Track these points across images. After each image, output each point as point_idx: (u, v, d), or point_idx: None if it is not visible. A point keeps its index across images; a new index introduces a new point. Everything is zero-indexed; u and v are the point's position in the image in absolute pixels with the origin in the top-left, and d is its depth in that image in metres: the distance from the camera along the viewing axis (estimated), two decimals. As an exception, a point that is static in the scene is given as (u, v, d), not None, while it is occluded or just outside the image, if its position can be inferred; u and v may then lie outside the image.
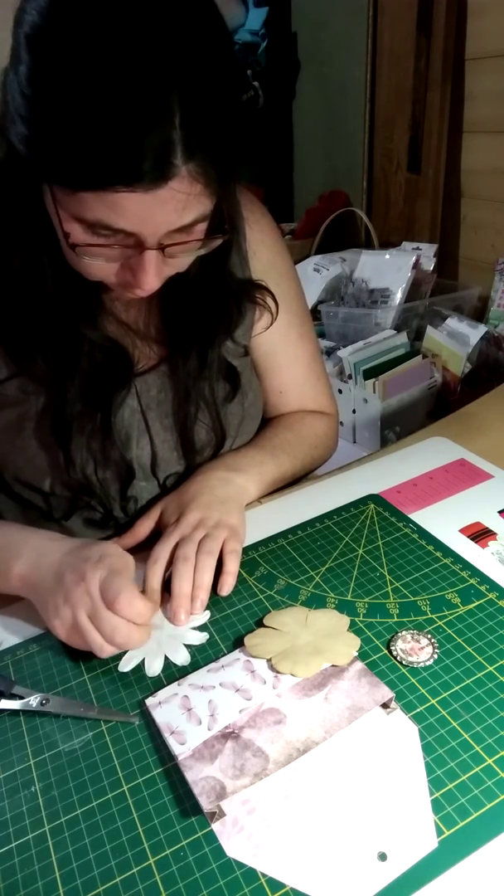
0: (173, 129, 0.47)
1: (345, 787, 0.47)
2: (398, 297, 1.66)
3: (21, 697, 0.55)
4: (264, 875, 0.43)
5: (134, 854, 0.44)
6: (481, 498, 0.74)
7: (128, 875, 0.43)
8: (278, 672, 0.55)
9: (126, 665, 0.58)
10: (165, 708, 0.53)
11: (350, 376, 1.50)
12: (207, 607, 0.63)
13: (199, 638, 0.60)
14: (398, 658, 0.56)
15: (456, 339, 1.52)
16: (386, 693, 0.52)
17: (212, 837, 0.45)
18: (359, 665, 0.55)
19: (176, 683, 0.55)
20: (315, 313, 1.72)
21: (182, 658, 0.58)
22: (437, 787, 0.46)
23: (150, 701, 0.54)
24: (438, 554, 0.67)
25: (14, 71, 0.49)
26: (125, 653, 0.59)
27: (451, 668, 0.54)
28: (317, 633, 0.58)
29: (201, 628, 0.61)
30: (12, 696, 0.55)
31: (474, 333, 1.51)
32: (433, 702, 0.52)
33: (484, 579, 0.63)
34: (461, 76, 1.63)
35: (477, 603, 0.60)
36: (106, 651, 0.56)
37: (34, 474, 0.71)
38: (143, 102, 0.46)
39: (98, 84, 0.45)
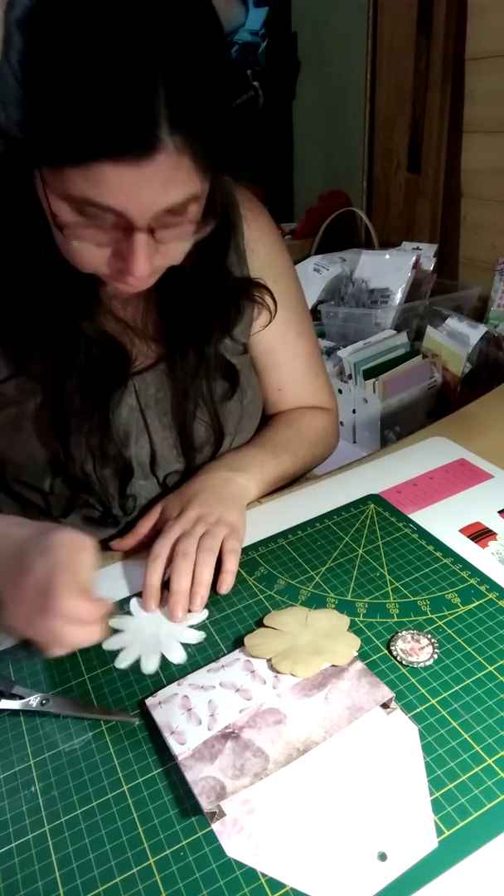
0: (158, 101, 0.47)
1: (345, 787, 0.47)
2: (398, 297, 1.66)
3: (21, 697, 0.55)
4: (264, 875, 0.43)
5: (134, 854, 0.44)
6: (481, 498, 0.74)
7: (128, 875, 0.43)
8: (278, 672, 0.55)
9: (122, 662, 0.58)
10: (165, 708, 0.53)
11: (350, 376, 1.50)
12: (206, 606, 0.63)
13: (197, 637, 0.60)
14: (398, 658, 0.56)
15: (456, 339, 1.52)
16: (386, 693, 0.52)
17: (212, 837, 0.45)
18: (359, 665, 0.55)
19: (176, 683, 0.55)
20: (315, 313, 1.72)
21: (178, 657, 0.58)
22: (437, 787, 0.46)
23: (150, 701, 0.54)
24: (438, 554, 0.67)
25: (6, 57, 0.49)
26: (122, 650, 0.59)
27: (451, 668, 0.54)
28: (317, 633, 0.58)
29: (199, 627, 0.61)
30: (12, 696, 0.55)
31: (474, 333, 1.51)
32: (433, 702, 0.52)
33: (484, 579, 0.63)
34: (461, 76, 1.63)
35: (477, 603, 0.60)
36: (55, 651, 0.54)
37: (34, 473, 0.71)
38: (128, 75, 0.46)
39: (85, 58, 0.45)
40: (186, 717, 0.52)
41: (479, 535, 0.69)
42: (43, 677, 0.58)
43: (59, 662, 0.59)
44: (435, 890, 0.41)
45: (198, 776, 0.47)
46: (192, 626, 0.61)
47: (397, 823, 0.44)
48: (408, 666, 0.55)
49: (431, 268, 1.70)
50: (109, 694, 0.56)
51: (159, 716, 0.53)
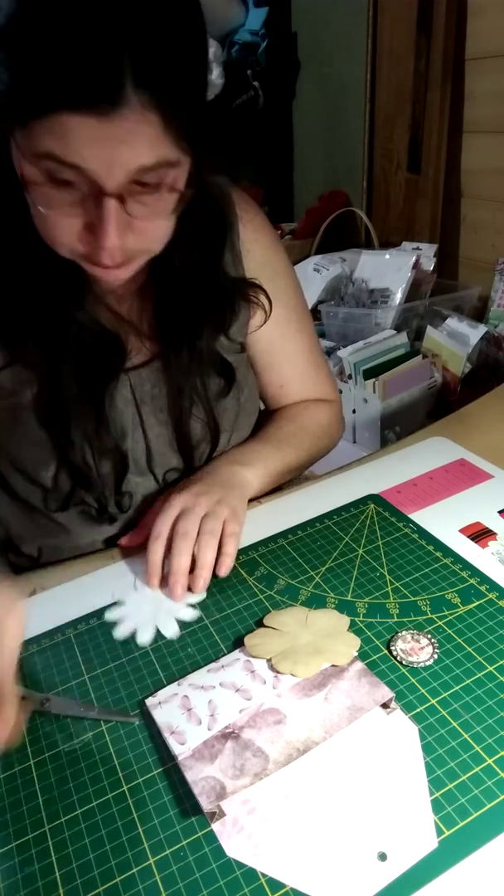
0: (122, 55, 0.47)
1: (345, 787, 0.47)
2: (398, 297, 1.66)
3: (21, 697, 0.54)
4: (264, 875, 0.43)
5: (134, 854, 0.44)
6: (481, 498, 0.74)
7: (128, 875, 0.43)
8: (278, 672, 0.55)
9: (119, 633, 0.61)
10: (165, 708, 0.53)
11: (350, 376, 1.50)
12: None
13: (192, 615, 0.62)
14: (398, 658, 0.56)
15: (456, 339, 1.52)
16: (386, 693, 0.52)
17: (212, 837, 0.45)
18: (359, 665, 0.55)
19: (176, 683, 0.55)
20: (315, 313, 1.72)
21: (172, 631, 0.60)
22: (437, 787, 0.46)
23: (150, 701, 0.54)
24: (438, 554, 0.67)
25: None
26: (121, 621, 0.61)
27: (451, 668, 0.54)
28: (317, 633, 0.58)
29: (195, 606, 0.63)
30: (12, 696, 0.55)
31: (474, 333, 1.52)
32: (433, 702, 0.52)
33: (484, 579, 0.63)
34: (461, 76, 1.63)
35: (477, 603, 0.60)
36: None
37: (33, 465, 0.71)
38: (93, 27, 0.46)
39: (51, 10, 0.46)
40: (186, 717, 0.52)
41: (479, 535, 0.69)
42: (43, 677, 0.58)
43: (59, 662, 0.59)
44: (435, 890, 0.41)
45: (198, 776, 0.47)
46: (189, 605, 0.63)
47: (397, 823, 0.44)
48: (408, 666, 0.55)
49: (431, 268, 1.70)
50: (109, 694, 0.56)
51: (159, 716, 0.53)
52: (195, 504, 0.67)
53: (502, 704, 0.51)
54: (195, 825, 0.46)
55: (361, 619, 0.60)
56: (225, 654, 0.58)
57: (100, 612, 0.64)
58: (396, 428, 1.47)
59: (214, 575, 0.65)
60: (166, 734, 0.51)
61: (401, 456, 0.84)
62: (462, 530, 0.69)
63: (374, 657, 0.56)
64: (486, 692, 0.52)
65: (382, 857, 0.43)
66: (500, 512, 0.72)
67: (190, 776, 0.47)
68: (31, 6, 0.46)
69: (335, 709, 0.51)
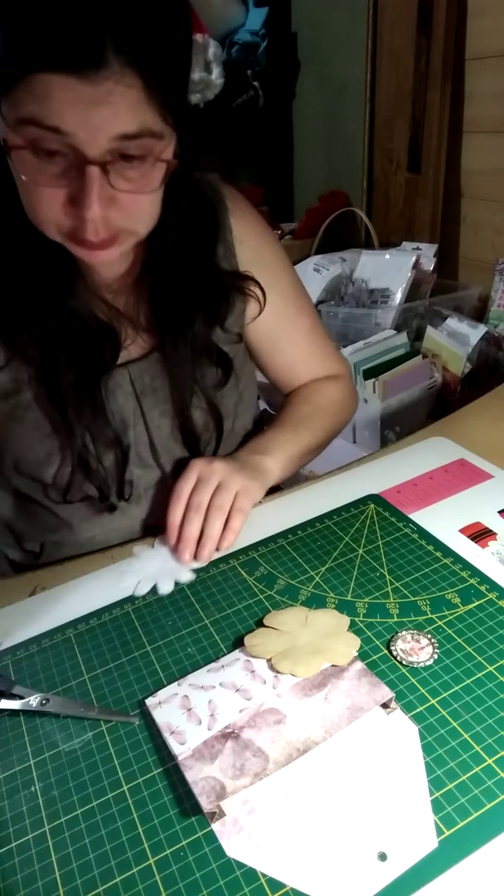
0: (103, 19, 0.48)
1: (345, 787, 0.47)
2: (398, 297, 1.65)
3: (21, 697, 0.55)
4: (264, 875, 0.43)
5: (134, 854, 0.44)
6: (481, 498, 0.74)
7: (128, 875, 0.43)
8: (278, 672, 0.55)
9: (124, 582, 0.68)
10: (165, 708, 0.53)
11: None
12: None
13: (190, 577, 0.68)
14: (398, 658, 0.56)
15: (456, 339, 1.52)
16: (386, 693, 0.52)
17: (212, 837, 0.45)
18: (359, 665, 0.55)
19: (176, 683, 0.55)
20: (315, 313, 1.72)
21: (166, 588, 0.66)
22: (437, 787, 0.46)
23: (150, 701, 0.54)
24: (438, 554, 0.67)
25: None
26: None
27: (451, 668, 0.54)
28: (317, 633, 0.58)
29: (195, 571, 0.68)
30: (12, 696, 0.55)
31: (474, 333, 1.51)
32: (433, 702, 0.52)
33: (484, 579, 0.63)
34: (461, 76, 1.63)
35: (477, 603, 0.60)
36: None
37: (35, 464, 0.71)
38: None
39: None
40: (186, 717, 0.52)
41: (479, 535, 0.69)
42: (43, 677, 0.58)
43: (59, 662, 0.59)
44: (435, 890, 0.41)
45: (198, 776, 0.47)
46: (191, 570, 0.68)
47: (397, 823, 0.44)
48: (408, 666, 0.55)
49: (431, 268, 1.70)
50: (109, 694, 0.56)
51: (159, 716, 0.53)
52: (211, 473, 0.71)
53: (502, 704, 0.51)
54: (195, 825, 0.46)
55: (361, 619, 0.60)
56: (225, 654, 0.58)
57: (100, 612, 0.64)
58: (396, 428, 1.47)
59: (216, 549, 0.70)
60: (166, 734, 0.51)
61: (401, 456, 0.84)
62: (462, 530, 0.69)
63: (374, 657, 0.56)
64: (486, 692, 0.52)
65: (382, 857, 0.43)
66: (500, 512, 0.72)
67: (190, 776, 0.47)
68: None
69: (335, 709, 0.51)
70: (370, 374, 1.45)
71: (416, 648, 0.56)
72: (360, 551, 0.68)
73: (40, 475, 0.72)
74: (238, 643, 0.59)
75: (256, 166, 2.32)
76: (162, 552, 0.71)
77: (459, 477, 0.78)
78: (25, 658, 0.60)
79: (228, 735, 0.50)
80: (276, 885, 0.42)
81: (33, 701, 0.54)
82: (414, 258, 1.66)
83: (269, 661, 0.56)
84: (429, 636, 0.57)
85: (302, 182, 2.39)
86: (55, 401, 0.68)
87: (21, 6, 0.48)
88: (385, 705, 0.52)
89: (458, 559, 0.66)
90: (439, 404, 1.53)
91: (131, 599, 0.65)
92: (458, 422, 0.92)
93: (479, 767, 0.47)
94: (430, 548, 0.68)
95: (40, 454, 0.71)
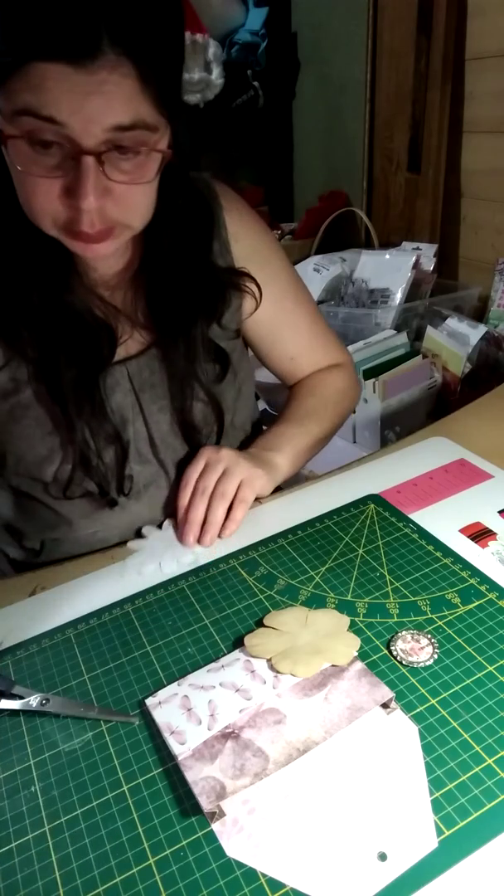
0: (99, 8, 0.48)
1: (345, 787, 0.47)
2: (398, 297, 1.65)
3: (21, 697, 0.55)
4: (264, 875, 0.43)
5: (134, 854, 0.44)
6: (481, 498, 0.74)
7: (128, 875, 0.43)
8: (278, 672, 0.55)
9: (131, 561, 0.70)
10: (165, 708, 0.53)
11: (350, 376, 1.50)
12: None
13: (191, 560, 0.70)
14: (398, 658, 0.56)
15: (456, 339, 1.52)
16: (386, 693, 0.52)
17: (212, 837, 0.45)
18: (359, 665, 0.55)
19: (176, 683, 0.55)
20: (315, 313, 1.72)
21: (169, 569, 0.68)
22: (437, 787, 0.46)
23: (150, 701, 0.54)
24: (438, 554, 0.67)
25: None
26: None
27: (451, 668, 0.54)
28: (317, 633, 0.58)
29: (194, 571, 0.69)
30: (12, 696, 0.55)
31: (474, 333, 1.51)
32: (433, 702, 0.52)
33: (484, 579, 0.63)
34: (461, 76, 1.63)
35: (477, 603, 0.60)
36: None
37: (35, 464, 0.71)
38: None
39: None
40: (186, 717, 0.52)
41: (479, 535, 0.69)
42: (43, 677, 0.58)
43: (59, 662, 0.59)
44: (435, 890, 0.41)
45: (198, 776, 0.47)
46: (192, 553, 0.71)
47: (397, 823, 0.44)
48: (408, 666, 0.55)
49: (431, 268, 1.70)
50: (109, 694, 0.56)
51: (159, 716, 0.53)
52: (218, 460, 0.72)
53: (502, 704, 0.51)
54: (195, 825, 0.46)
55: (361, 619, 0.60)
56: (225, 654, 0.58)
57: (100, 612, 0.64)
58: (396, 428, 1.47)
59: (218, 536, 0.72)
60: (166, 734, 0.51)
61: (401, 456, 0.84)
62: (462, 530, 0.69)
63: (374, 657, 0.56)
64: (486, 692, 0.52)
65: (382, 857, 0.43)
66: (500, 512, 0.72)
67: (190, 776, 0.47)
68: None
69: (335, 709, 0.51)
70: (370, 374, 1.45)
71: (416, 648, 0.56)
72: (360, 551, 0.68)
73: (41, 474, 0.72)
74: (238, 643, 0.59)
75: (256, 166, 2.32)
76: (169, 533, 0.74)
77: (459, 477, 0.78)
78: (25, 658, 0.60)
79: (228, 735, 0.50)
80: (276, 885, 0.42)
81: (33, 701, 0.54)
82: (414, 258, 1.66)
83: (269, 661, 0.56)
84: (429, 636, 0.57)
85: (302, 182, 2.39)
86: (55, 398, 0.68)
87: (23, 4, 0.48)
88: (385, 705, 0.52)
89: (458, 559, 0.66)
90: (439, 404, 1.53)
91: (131, 599, 0.65)
92: (458, 422, 0.92)
93: (479, 767, 0.47)
94: (430, 548, 0.68)
95: (41, 453, 0.71)
